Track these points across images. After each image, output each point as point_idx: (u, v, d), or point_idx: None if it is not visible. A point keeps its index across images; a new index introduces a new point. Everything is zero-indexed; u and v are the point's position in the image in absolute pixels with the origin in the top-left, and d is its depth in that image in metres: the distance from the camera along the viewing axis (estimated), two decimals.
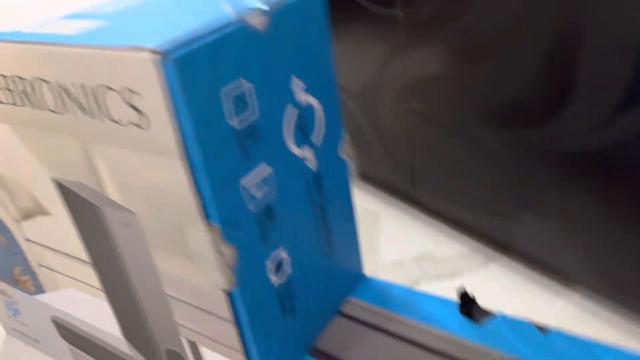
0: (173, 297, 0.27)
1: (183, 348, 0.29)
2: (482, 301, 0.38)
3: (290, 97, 0.25)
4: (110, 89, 0.21)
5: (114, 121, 0.22)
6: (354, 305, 0.33)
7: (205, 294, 0.25)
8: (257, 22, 0.22)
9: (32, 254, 0.34)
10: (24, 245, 0.34)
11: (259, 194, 0.24)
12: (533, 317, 0.37)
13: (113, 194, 0.25)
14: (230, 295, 0.24)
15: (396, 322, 0.31)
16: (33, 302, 0.38)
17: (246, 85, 0.22)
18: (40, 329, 0.40)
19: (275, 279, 0.26)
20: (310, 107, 0.27)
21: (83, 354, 0.38)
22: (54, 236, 0.31)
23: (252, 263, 0.24)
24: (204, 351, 0.28)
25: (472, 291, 0.39)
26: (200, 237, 0.22)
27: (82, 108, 0.23)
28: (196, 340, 0.27)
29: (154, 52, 0.19)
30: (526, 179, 0.37)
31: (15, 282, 0.38)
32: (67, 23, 0.25)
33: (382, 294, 0.33)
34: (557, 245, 0.37)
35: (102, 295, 0.31)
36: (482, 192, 0.41)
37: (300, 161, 0.27)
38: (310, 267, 0.29)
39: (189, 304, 0.26)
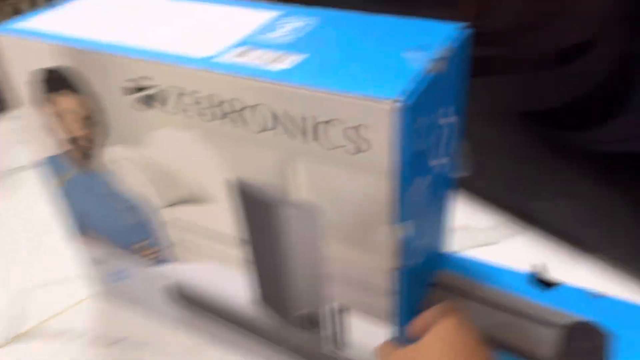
0: (333, 275, 0.33)
1: (323, 312, 0.36)
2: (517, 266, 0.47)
3: (444, 117, 0.32)
4: (338, 120, 0.26)
5: (329, 142, 0.27)
6: (445, 276, 0.41)
7: (371, 272, 0.31)
8: (441, 67, 0.28)
9: (167, 234, 0.39)
10: (159, 225, 0.39)
11: (418, 200, 0.31)
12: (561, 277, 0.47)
13: (305, 195, 0.30)
14: (398, 272, 0.31)
15: (480, 290, 0.40)
16: (148, 271, 0.43)
17: (434, 118, 0.29)
18: (146, 292, 0.45)
19: (417, 259, 0.34)
20: (453, 124, 0.34)
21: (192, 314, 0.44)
22: (201, 220, 0.36)
23: (409, 249, 0.31)
24: (353, 315, 0.34)
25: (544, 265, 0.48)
26: (387, 233, 0.29)
27: (290, 131, 0.28)
28: (349, 305, 0.34)
29: (395, 102, 0.25)
30: (563, 170, 0.46)
31: (133, 253, 0.42)
32: (261, 54, 0.29)
33: (463, 267, 0.42)
34: (581, 221, 0.47)
35: (238, 268, 0.37)
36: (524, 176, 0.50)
37: (443, 167, 0.34)
38: (425, 248, 0.37)
39: (350, 279, 0.33)
